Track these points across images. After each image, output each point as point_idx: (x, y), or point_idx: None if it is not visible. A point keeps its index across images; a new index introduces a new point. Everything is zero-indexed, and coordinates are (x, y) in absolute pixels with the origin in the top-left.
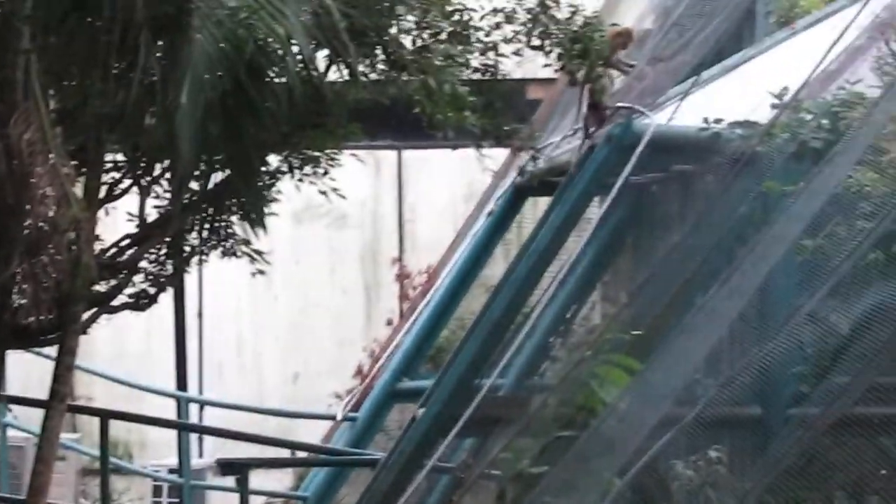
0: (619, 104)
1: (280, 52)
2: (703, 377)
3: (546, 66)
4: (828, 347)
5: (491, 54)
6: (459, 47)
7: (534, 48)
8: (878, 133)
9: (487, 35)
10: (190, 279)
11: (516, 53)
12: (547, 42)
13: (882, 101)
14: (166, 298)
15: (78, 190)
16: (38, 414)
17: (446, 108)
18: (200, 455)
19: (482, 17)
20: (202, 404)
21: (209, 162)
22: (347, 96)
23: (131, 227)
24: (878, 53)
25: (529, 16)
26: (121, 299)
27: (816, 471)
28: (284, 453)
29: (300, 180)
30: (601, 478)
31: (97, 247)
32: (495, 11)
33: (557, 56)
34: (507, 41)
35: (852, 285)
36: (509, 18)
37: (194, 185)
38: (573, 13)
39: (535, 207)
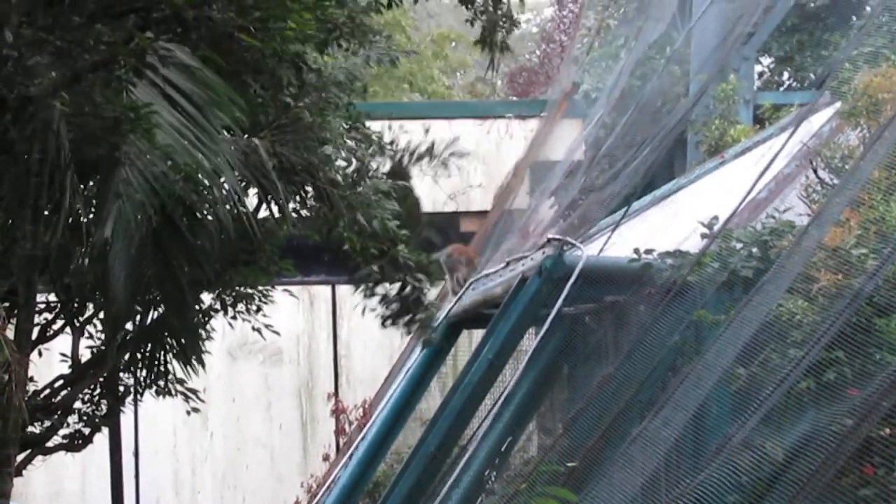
0: (551, 236)
1: (210, 189)
2: None
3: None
4: (762, 475)
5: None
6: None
7: None
8: (807, 261)
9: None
10: (125, 417)
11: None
12: None
13: (811, 228)
14: (102, 438)
15: (10, 332)
16: None
17: (377, 242)
18: None
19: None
20: None
21: (143, 301)
22: (278, 233)
23: (65, 368)
24: (806, 181)
25: None
26: (56, 440)
27: None
28: None
29: (234, 317)
30: None
31: (31, 388)
32: None
33: None
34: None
35: (785, 413)
36: None
37: (128, 325)
38: None
39: (470, 339)
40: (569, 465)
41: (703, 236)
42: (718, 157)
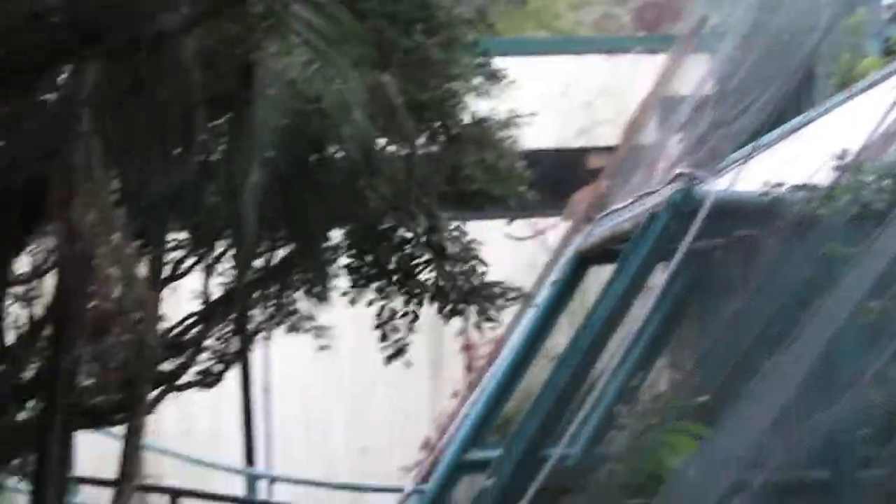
0: (680, 170)
1: (339, 125)
2: (770, 441)
3: None
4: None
5: None
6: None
7: None
8: None
9: None
10: (256, 355)
11: None
12: None
13: None
14: (232, 375)
15: (142, 270)
16: (108, 494)
17: (504, 183)
18: None
19: None
20: (271, 480)
21: (273, 238)
22: (406, 170)
23: (196, 306)
24: None
25: None
26: (187, 378)
27: None
28: None
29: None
30: None
31: (162, 326)
32: None
33: None
34: None
35: None
36: None
37: (258, 262)
38: None
39: (599, 275)
40: (700, 399)
41: (834, 169)
42: (847, 91)
